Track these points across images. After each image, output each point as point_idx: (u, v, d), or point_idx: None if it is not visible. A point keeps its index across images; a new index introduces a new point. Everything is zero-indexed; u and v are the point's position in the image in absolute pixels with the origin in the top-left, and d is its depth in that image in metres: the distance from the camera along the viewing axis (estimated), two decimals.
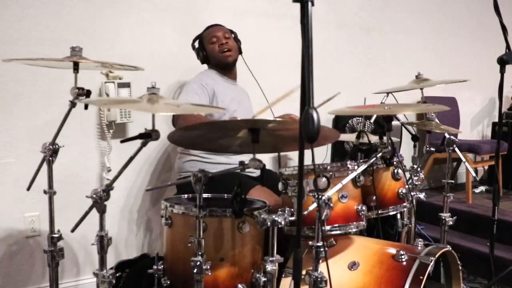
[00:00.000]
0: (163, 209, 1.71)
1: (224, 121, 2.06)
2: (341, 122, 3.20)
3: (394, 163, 1.92)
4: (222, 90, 2.37)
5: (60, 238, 1.75)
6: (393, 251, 1.70)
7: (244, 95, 2.56)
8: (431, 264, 1.61)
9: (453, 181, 2.45)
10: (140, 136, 1.39)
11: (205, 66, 2.51)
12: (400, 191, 1.94)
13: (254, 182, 2.18)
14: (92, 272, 1.48)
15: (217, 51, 2.39)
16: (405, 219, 2.22)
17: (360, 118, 3.06)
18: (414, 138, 2.31)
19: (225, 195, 1.84)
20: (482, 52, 4.26)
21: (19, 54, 2.17)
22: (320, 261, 1.46)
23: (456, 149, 2.20)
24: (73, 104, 1.72)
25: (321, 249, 1.45)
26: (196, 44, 2.48)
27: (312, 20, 0.91)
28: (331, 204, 1.49)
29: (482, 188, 4.00)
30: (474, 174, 2.70)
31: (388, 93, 2.24)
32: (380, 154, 1.81)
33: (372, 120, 2.67)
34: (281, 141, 1.71)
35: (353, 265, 1.67)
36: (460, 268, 1.92)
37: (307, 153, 1.03)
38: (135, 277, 2.17)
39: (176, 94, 2.64)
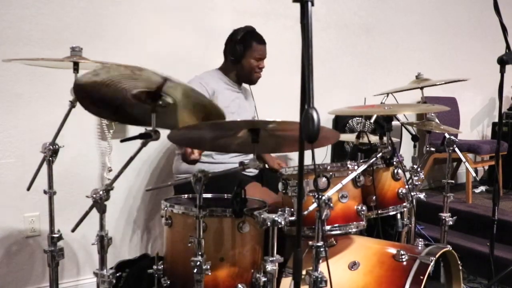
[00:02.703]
0: (163, 209, 1.71)
1: (222, 122, 2.04)
2: (341, 122, 3.20)
3: (394, 163, 1.92)
4: (222, 90, 2.36)
5: (60, 238, 1.75)
6: (393, 251, 1.70)
7: (246, 97, 2.54)
8: (432, 264, 1.61)
9: (453, 181, 2.45)
10: (140, 136, 1.39)
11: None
12: (400, 191, 1.94)
13: (250, 179, 2.17)
14: (92, 272, 1.48)
15: (255, 70, 2.39)
16: (405, 219, 2.23)
17: (360, 118, 3.06)
18: (414, 138, 2.31)
19: (225, 195, 1.84)
20: (482, 52, 4.26)
21: (19, 54, 2.17)
22: (321, 261, 1.46)
23: (456, 149, 2.20)
24: (73, 104, 1.72)
25: (321, 249, 1.45)
26: (238, 43, 2.35)
27: (312, 20, 0.91)
28: (331, 204, 1.49)
29: (482, 188, 4.00)
30: (474, 174, 2.70)
31: (388, 94, 2.24)
32: (380, 154, 1.81)
33: (372, 120, 2.67)
34: (281, 142, 1.70)
35: (353, 265, 1.68)
36: (461, 268, 1.92)
37: (307, 153, 1.03)
38: (135, 277, 2.17)
39: None
